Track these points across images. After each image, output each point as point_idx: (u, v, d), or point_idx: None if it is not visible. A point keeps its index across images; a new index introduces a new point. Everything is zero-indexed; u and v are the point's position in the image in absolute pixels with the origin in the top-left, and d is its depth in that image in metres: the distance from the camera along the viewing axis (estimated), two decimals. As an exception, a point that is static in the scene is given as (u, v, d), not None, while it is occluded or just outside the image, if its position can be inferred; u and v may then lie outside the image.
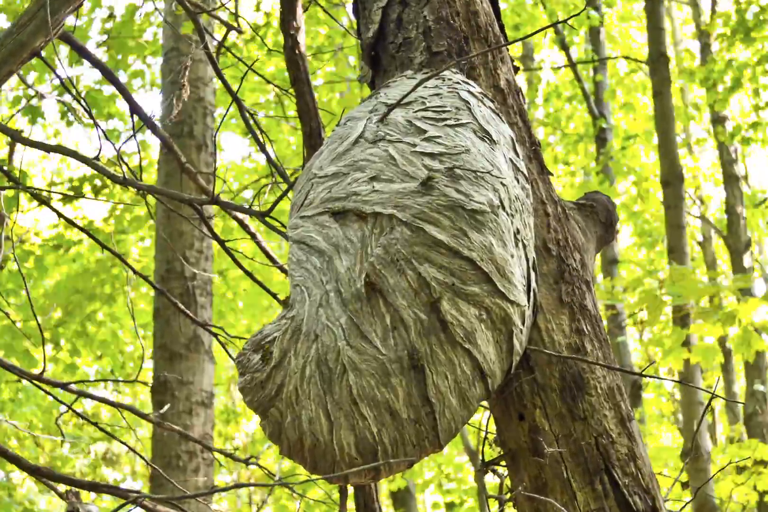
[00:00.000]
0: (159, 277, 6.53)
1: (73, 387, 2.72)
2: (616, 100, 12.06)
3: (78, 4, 2.40)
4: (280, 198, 2.51)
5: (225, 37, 3.01)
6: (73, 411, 2.67)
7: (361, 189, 1.92)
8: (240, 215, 2.99)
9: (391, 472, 1.83)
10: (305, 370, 1.78)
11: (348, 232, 1.89)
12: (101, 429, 2.73)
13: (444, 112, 2.04)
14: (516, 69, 2.39)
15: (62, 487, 2.46)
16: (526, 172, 2.08)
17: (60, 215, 2.91)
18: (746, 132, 10.26)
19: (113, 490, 2.38)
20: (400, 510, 11.42)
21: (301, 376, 1.78)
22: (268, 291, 2.97)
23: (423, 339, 1.79)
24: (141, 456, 2.77)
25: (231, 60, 7.35)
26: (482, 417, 2.21)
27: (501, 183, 1.94)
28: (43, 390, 2.71)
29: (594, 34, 11.10)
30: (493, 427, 2.13)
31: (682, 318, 7.27)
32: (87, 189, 8.20)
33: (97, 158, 2.64)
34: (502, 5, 2.41)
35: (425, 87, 2.12)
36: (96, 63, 2.67)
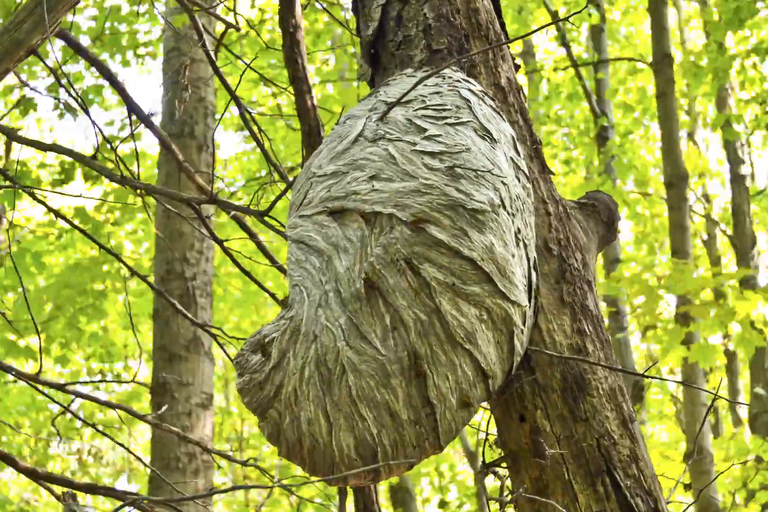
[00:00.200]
0: (159, 278, 6.53)
1: (70, 388, 2.72)
2: (617, 98, 12.06)
3: (75, 1, 2.39)
4: (279, 197, 2.51)
5: (223, 35, 3.01)
6: (71, 412, 2.67)
7: (360, 188, 1.92)
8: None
9: (390, 474, 1.83)
10: (304, 371, 1.78)
11: (347, 231, 1.88)
12: (99, 431, 2.73)
13: (444, 110, 2.04)
14: (517, 67, 2.39)
15: (59, 489, 2.46)
16: (527, 171, 2.08)
17: (57, 214, 2.91)
18: (747, 129, 10.24)
19: (110, 492, 2.38)
20: (399, 511, 11.42)
21: (300, 377, 1.78)
22: (267, 291, 2.97)
23: (423, 340, 1.79)
24: (139, 458, 2.77)
25: (231, 57, 7.35)
26: (482, 419, 2.20)
27: (502, 182, 1.94)
28: (40, 391, 2.71)
29: (596, 33, 11.09)
30: (493, 428, 2.12)
31: (684, 316, 7.26)
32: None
33: (94, 157, 2.64)
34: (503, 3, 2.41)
35: (425, 85, 2.12)
36: (93, 60, 2.67)
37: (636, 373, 2.05)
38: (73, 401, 2.78)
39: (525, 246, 1.98)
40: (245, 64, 2.55)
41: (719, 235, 13.95)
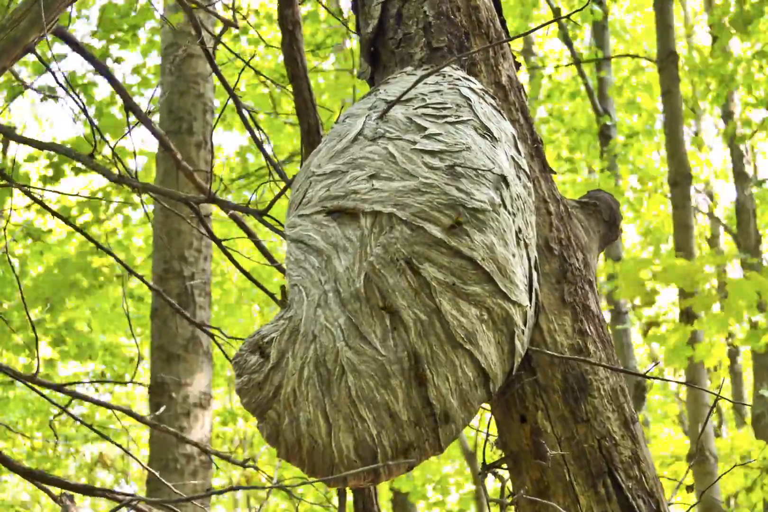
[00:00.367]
0: (156, 277, 6.53)
1: (68, 389, 2.72)
2: (622, 96, 12.05)
3: (72, -1, 2.39)
4: (278, 196, 2.51)
5: (222, 33, 3.01)
6: (69, 413, 2.67)
7: (360, 187, 1.92)
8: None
9: (390, 475, 1.83)
10: (303, 371, 1.78)
11: (347, 230, 1.88)
12: (96, 432, 2.73)
13: (444, 108, 2.04)
14: (518, 65, 2.39)
15: (57, 490, 2.46)
16: (527, 170, 2.08)
17: (54, 214, 2.91)
18: (751, 130, 10.23)
19: (108, 493, 2.38)
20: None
21: (299, 378, 1.78)
22: (266, 291, 2.97)
23: (423, 340, 1.79)
24: (137, 459, 2.77)
25: (230, 54, 7.35)
26: (483, 420, 2.21)
27: (502, 181, 1.94)
28: (37, 391, 2.71)
29: (598, 30, 11.08)
30: (494, 429, 2.13)
31: (687, 314, 7.26)
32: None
33: (92, 156, 2.64)
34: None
35: (425, 83, 2.12)
36: (90, 58, 2.67)
37: (638, 374, 2.06)
38: (70, 402, 2.78)
39: (526, 245, 1.98)
40: (244, 61, 2.55)
41: (723, 234, 13.95)
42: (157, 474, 2.96)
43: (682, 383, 2.08)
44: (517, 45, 12.06)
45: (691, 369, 7.72)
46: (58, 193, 2.85)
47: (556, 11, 10.36)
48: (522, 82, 2.37)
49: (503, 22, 2.41)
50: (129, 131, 2.50)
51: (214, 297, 10.27)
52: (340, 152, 2.02)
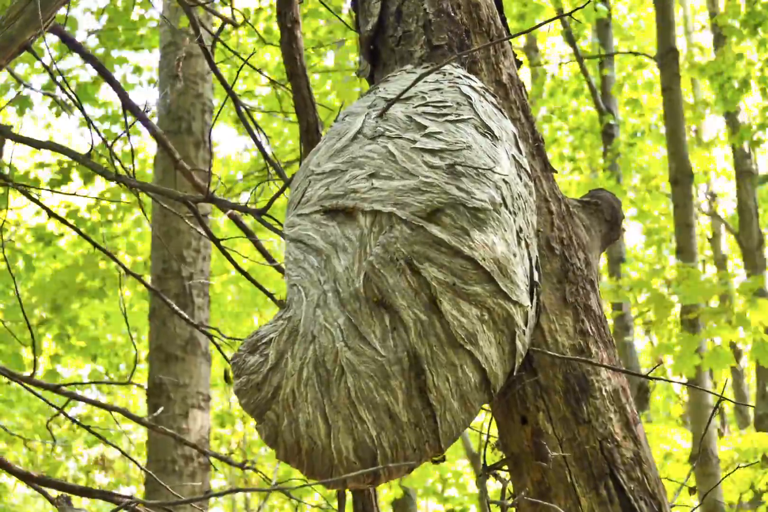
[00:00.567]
0: (155, 277, 6.53)
1: (65, 389, 2.72)
2: (624, 95, 12.05)
3: (69, -4, 2.39)
4: (277, 195, 2.51)
5: (220, 30, 3.01)
6: (65, 414, 2.67)
7: (359, 186, 1.92)
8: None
9: (390, 477, 1.83)
10: (302, 372, 1.78)
11: (346, 230, 1.88)
12: (93, 433, 2.73)
13: (445, 107, 2.04)
14: (519, 63, 2.39)
15: (54, 492, 2.46)
16: (528, 169, 2.08)
17: (50, 213, 2.91)
18: (756, 133, 10.23)
19: (105, 495, 2.38)
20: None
21: (298, 378, 1.78)
22: (265, 291, 2.97)
23: (423, 341, 1.78)
24: (134, 461, 2.77)
25: (229, 53, 7.35)
26: (484, 421, 2.21)
27: (503, 180, 1.94)
28: (33, 392, 2.71)
29: (602, 27, 11.08)
30: (495, 431, 2.12)
31: (691, 322, 7.26)
32: (75, 175, 8.17)
33: (89, 155, 2.64)
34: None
35: (425, 81, 2.12)
36: (87, 56, 2.67)
37: (640, 375, 2.05)
38: (67, 403, 2.78)
39: (527, 245, 1.98)
40: (242, 59, 2.55)
41: (724, 233, 13.94)
42: (155, 475, 2.96)
43: (684, 384, 2.08)
44: (519, 42, 12.06)
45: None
46: (55, 192, 2.85)
47: (559, 9, 10.36)
48: (523, 80, 2.37)
49: (504, 20, 2.41)
50: (126, 130, 2.50)
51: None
52: (339, 151, 2.01)
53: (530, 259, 1.98)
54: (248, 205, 2.63)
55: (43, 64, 2.74)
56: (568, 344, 2.06)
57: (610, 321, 9.01)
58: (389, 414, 1.76)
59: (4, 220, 2.88)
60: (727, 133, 11.61)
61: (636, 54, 11.70)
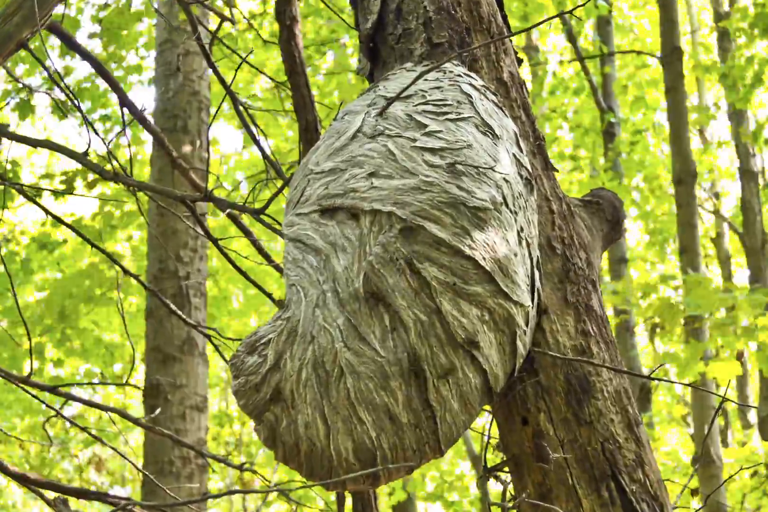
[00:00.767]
0: (151, 277, 6.53)
1: (61, 390, 2.72)
2: (628, 93, 12.04)
3: (66, -7, 2.39)
4: (276, 194, 2.51)
5: (218, 28, 3.01)
6: (62, 415, 2.68)
7: (359, 185, 1.92)
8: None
9: (390, 478, 1.83)
10: (301, 373, 1.78)
11: (346, 229, 1.88)
12: (90, 434, 2.73)
13: (445, 105, 2.04)
14: (520, 61, 2.39)
15: (50, 494, 2.46)
16: (530, 168, 2.08)
17: (47, 212, 2.91)
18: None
19: (102, 497, 2.38)
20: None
21: (297, 379, 1.78)
22: (263, 291, 2.97)
23: (423, 341, 1.79)
24: (131, 462, 2.77)
25: (228, 51, 7.34)
26: (485, 422, 2.21)
27: (504, 179, 1.94)
28: (30, 393, 2.71)
29: (602, 25, 11.08)
30: (495, 432, 2.13)
31: (694, 329, 7.26)
32: (79, 183, 8.18)
33: (86, 153, 2.64)
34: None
35: (426, 80, 2.12)
36: (85, 55, 2.67)
37: (642, 375, 2.06)
38: (65, 403, 2.78)
39: (528, 245, 1.98)
40: (241, 58, 2.55)
41: (728, 233, 13.93)
42: (152, 477, 2.96)
43: (687, 385, 2.08)
44: (522, 40, 12.06)
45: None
46: (52, 191, 2.85)
47: (560, 5, 10.34)
48: (524, 78, 2.37)
49: (505, 18, 2.41)
50: (124, 128, 2.50)
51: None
52: (338, 150, 2.02)
53: (531, 259, 1.99)
54: (246, 205, 2.64)
55: (39, 61, 2.74)
56: (570, 344, 2.06)
57: (613, 323, 9.01)
58: (389, 415, 1.77)
59: (0, 219, 2.88)
60: (733, 132, 11.61)
61: (639, 53, 11.69)
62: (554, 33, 12.86)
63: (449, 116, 2.01)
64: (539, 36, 12.60)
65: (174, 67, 6.89)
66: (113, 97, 8.64)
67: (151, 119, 6.91)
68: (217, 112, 2.28)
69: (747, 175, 11.27)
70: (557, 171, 2.29)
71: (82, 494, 2.43)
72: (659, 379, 2.04)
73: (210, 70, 6.96)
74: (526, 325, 1.93)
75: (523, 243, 1.96)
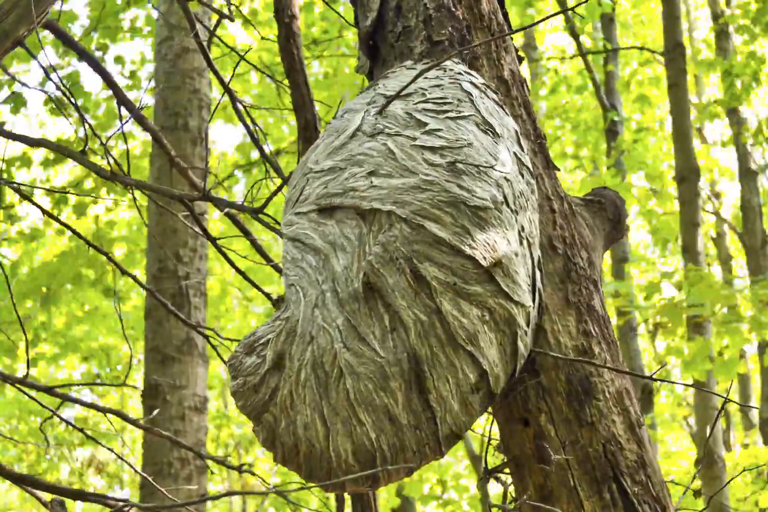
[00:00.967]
0: (151, 277, 6.53)
1: (58, 391, 2.72)
2: (631, 92, 12.03)
3: (63, -9, 2.39)
4: (274, 193, 2.51)
5: (217, 26, 3.01)
6: (59, 416, 2.67)
7: (358, 184, 1.91)
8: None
9: (389, 480, 1.82)
10: (300, 374, 1.77)
11: (345, 229, 1.88)
12: (88, 436, 2.72)
13: (445, 103, 2.03)
14: (520, 59, 2.39)
15: (47, 495, 2.46)
16: (531, 167, 2.08)
17: (44, 211, 2.91)
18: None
19: (100, 499, 2.37)
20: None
21: (296, 380, 1.77)
22: (262, 291, 2.97)
23: (423, 341, 1.78)
24: (129, 464, 2.77)
25: (227, 48, 7.34)
26: (485, 423, 2.20)
27: (505, 178, 1.94)
28: (26, 394, 2.71)
29: (605, 22, 11.07)
30: (496, 433, 2.12)
31: (696, 325, 7.26)
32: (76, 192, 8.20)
33: (83, 152, 2.63)
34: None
35: (426, 78, 2.11)
36: (82, 52, 2.67)
37: (644, 376, 2.05)
38: (61, 405, 2.78)
39: (529, 244, 1.97)
40: (239, 55, 2.55)
41: (728, 233, 13.93)
42: (150, 478, 2.96)
43: (689, 385, 2.08)
44: (516, 39, 12.05)
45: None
46: (48, 190, 2.85)
47: (562, 2, 10.34)
48: (525, 76, 2.37)
49: (505, 15, 2.41)
50: (121, 127, 2.50)
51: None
52: (338, 148, 2.01)
53: (532, 259, 1.98)
54: (245, 204, 2.63)
55: (40, 64, 2.74)
56: (571, 345, 2.05)
57: (614, 323, 9.00)
58: (389, 416, 1.76)
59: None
60: (733, 131, 11.60)
61: (641, 49, 11.69)
62: (555, 31, 12.86)
63: (449, 114, 2.01)
64: (534, 34, 12.58)
65: (173, 64, 6.89)
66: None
67: (150, 117, 6.92)
68: (215, 110, 2.28)
69: (747, 174, 11.27)
70: (558, 170, 2.29)
71: (79, 495, 2.43)
72: (661, 380, 2.03)
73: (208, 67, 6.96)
74: (527, 326, 1.93)
75: (524, 242, 1.95)
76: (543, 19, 2.04)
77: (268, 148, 3.06)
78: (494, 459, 2.14)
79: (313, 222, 1.93)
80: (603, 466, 1.98)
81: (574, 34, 10.64)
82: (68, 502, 2.43)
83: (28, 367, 2.52)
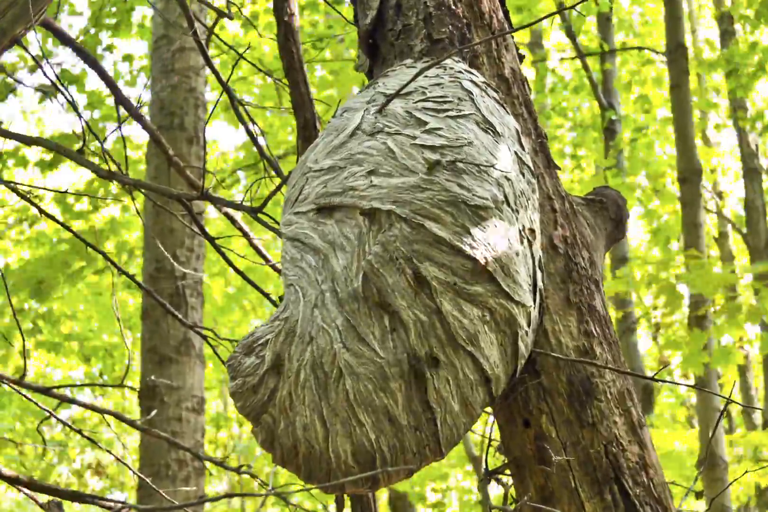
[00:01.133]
0: (148, 276, 6.53)
1: (56, 392, 2.72)
2: (630, 91, 12.03)
3: (60, -11, 2.39)
4: (273, 193, 2.51)
5: (215, 24, 3.01)
6: (56, 417, 2.67)
7: (358, 183, 1.91)
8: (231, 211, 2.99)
9: (389, 481, 1.82)
10: (299, 374, 1.77)
11: (345, 228, 1.88)
12: (85, 437, 2.72)
13: (445, 102, 2.03)
14: (521, 57, 2.39)
15: (44, 497, 2.46)
16: (531, 166, 2.08)
17: (41, 211, 2.91)
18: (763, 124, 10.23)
19: (97, 500, 2.37)
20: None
21: (295, 381, 1.77)
22: (261, 290, 2.97)
23: (423, 342, 1.78)
24: (127, 465, 2.77)
25: (225, 47, 7.34)
26: (486, 424, 2.21)
27: (505, 177, 1.94)
28: (23, 395, 2.71)
29: (603, 22, 11.07)
30: (497, 434, 2.12)
31: (698, 319, 7.26)
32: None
33: (81, 151, 2.64)
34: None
35: (426, 76, 2.11)
36: (79, 50, 2.67)
37: (646, 377, 2.05)
38: (58, 406, 2.77)
39: (530, 244, 1.97)
40: (238, 54, 2.55)
41: (731, 233, 13.94)
42: (148, 480, 2.96)
43: (691, 386, 2.08)
44: (523, 38, 12.04)
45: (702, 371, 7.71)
46: (46, 189, 2.85)
47: (560, 3, 10.34)
48: (525, 75, 2.37)
49: (506, 13, 2.41)
50: (119, 126, 2.50)
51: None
52: (337, 147, 2.01)
53: (533, 258, 1.98)
54: (244, 203, 2.63)
55: (33, 58, 2.74)
56: (572, 345, 2.06)
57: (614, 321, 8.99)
58: (388, 417, 1.76)
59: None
60: (734, 121, 11.60)
61: (641, 49, 11.68)
62: (552, 28, 12.85)
63: (450, 113, 2.01)
64: (542, 34, 12.58)
65: (169, 63, 6.89)
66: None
67: (147, 116, 6.92)
68: (213, 109, 2.28)
69: (750, 174, 11.26)
70: (559, 169, 2.29)
71: (77, 497, 2.42)
72: (663, 381, 2.03)
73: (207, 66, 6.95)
74: (528, 326, 1.93)
75: (525, 242, 1.95)
76: (541, 19, 2.05)
77: (266, 147, 3.06)
78: (495, 461, 2.14)
79: (313, 221, 1.93)
80: (604, 467, 1.98)
81: (571, 35, 10.63)
82: (66, 504, 2.43)
83: (25, 368, 2.52)
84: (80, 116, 2.60)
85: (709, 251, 14.22)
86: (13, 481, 2.44)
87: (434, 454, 1.81)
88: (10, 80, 7.10)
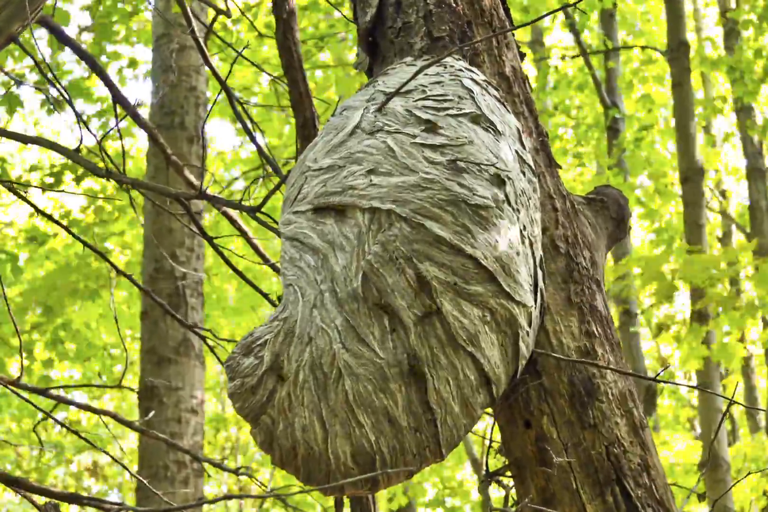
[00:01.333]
0: (147, 277, 6.53)
1: (53, 392, 2.72)
2: (634, 90, 12.03)
3: (58, -14, 2.39)
4: (272, 192, 2.51)
5: (213, 22, 3.00)
6: (53, 418, 2.67)
7: (357, 182, 1.91)
8: (230, 211, 2.98)
9: (389, 483, 1.82)
10: (299, 375, 1.77)
11: (344, 228, 1.88)
12: (82, 438, 2.72)
13: (446, 100, 2.03)
14: (522, 55, 2.38)
15: (41, 499, 2.45)
16: (532, 165, 2.08)
17: (37, 210, 2.91)
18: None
19: (95, 502, 2.37)
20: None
21: (294, 381, 1.77)
22: (260, 291, 2.97)
23: (423, 342, 1.78)
24: (125, 467, 2.76)
25: (224, 45, 7.34)
26: (487, 425, 2.20)
27: (506, 176, 1.94)
28: (20, 396, 2.71)
29: (606, 19, 11.06)
30: (497, 435, 2.12)
31: (699, 314, 7.26)
32: (68, 177, 8.18)
33: (78, 150, 2.63)
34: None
35: (426, 74, 2.11)
36: (77, 49, 2.67)
37: (647, 377, 2.05)
38: (55, 407, 2.77)
39: (531, 243, 1.97)
40: (236, 52, 2.55)
41: (735, 233, 13.93)
42: (146, 482, 2.95)
43: (693, 387, 2.08)
44: (524, 37, 12.04)
45: (704, 372, 7.71)
46: (44, 189, 2.85)
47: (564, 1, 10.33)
48: (527, 72, 2.37)
49: (507, 11, 2.41)
50: (117, 125, 2.50)
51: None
52: (336, 146, 2.01)
53: (534, 258, 1.98)
54: (243, 203, 2.63)
55: (33, 59, 2.74)
56: (574, 346, 2.05)
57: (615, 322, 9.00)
58: (388, 418, 1.76)
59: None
60: (739, 127, 11.60)
61: (644, 48, 11.68)
62: (554, 27, 12.85)
63: (450, 112, 2.00)
64: (543, 32, 12.58)
65: (170, 62, 6.89)
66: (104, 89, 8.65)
67: (147, 115, 6.92)
68: (212, 107, 2.27)
69: (754, 173, 11.26)
70: (561, 168, 2.29)
71: (74, 499, 2.42)
72: (666, 381, 2.03)
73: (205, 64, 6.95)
74: (529, 326, 1.92)
75: (526, 241, 1.95)
76: (542, 16, 2.04)
77: (265, 146, 3.06)
78: (495, 462, 2.14)
79: (312, 221, 1.92)
80: (606, 469, 1.98)
81: (575, 32, 10.63)
82: (63, 506, 2.43)
83: (22, 369, 2.52)
84: (77, 114, 2.60)
85: (712, 251, 14.22)
86: (9, 482, 2.44)
87: (434, 456, 1.81)
88: (16, 91, 7.10)
